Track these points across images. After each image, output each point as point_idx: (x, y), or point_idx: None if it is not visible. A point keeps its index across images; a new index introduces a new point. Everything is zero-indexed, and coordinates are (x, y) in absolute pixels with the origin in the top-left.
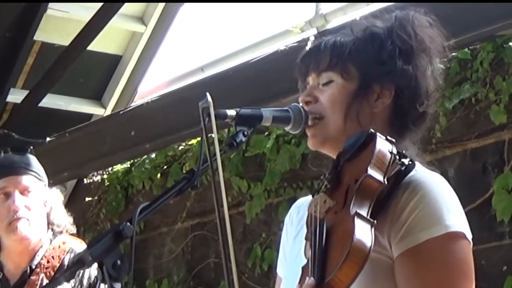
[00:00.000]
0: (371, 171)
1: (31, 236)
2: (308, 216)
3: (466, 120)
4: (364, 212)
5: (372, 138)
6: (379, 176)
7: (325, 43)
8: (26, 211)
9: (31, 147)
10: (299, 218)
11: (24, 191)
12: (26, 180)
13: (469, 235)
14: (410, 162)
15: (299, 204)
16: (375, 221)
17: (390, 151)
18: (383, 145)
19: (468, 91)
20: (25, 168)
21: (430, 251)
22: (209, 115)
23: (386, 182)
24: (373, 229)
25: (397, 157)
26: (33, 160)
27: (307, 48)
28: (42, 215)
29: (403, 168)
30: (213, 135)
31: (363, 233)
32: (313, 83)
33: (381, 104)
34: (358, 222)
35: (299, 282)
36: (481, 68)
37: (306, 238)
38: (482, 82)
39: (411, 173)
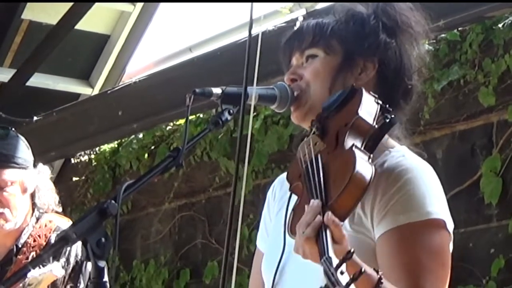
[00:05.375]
0: (362, 113)
1: (10, 227)
2: (298, 160)
3: (454, 102)
4: (360, 146)
5: (356, 91)
6: (369, 119)
7: (307, 24)
8: (1, 208)
9: (12, 129)
10: (282, 193)
11: (1, 185)
12: (4, 174)
13: (450, 225)
14: (393, 116)
15: (282, 179)
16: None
17: (376, 101)
18: (369, 96)
19: (457, 72)
20: (4, 161)
21: (409, 234)
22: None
23: (375, 126)
24: (370, 160)
25: (382, 108)
26: (13, 145)
27: (294, 28)
28: (24, 201)
29: (387, 121)
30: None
31: (363, 160)
32: (297, 62)
33: (365, 77)
34: (357, 152)
35: (291, 223)
36: (470, 50)
37: (292, 190)
38: (471, 64)
39: (399, 158)
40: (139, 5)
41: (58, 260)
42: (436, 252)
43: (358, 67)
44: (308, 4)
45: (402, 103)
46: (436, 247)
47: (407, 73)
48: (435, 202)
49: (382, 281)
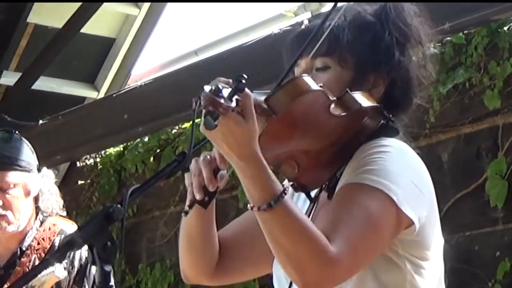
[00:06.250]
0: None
1: (13, 230)
2: None
3: (460, 105)
4: None
5: None
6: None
7: (323, 30)
8: (3, 210)
9: (16, 132)
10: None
11: (4, 187)
12: (7, 176)
13: (406, 209)
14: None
15: None
16: None
17: None
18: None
19: (462, 76)
20: (7, 164)
21: (353, 191)
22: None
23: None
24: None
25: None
26: (17, 148)
27: (301, 28)
28: (27, 204)
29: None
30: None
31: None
32: (306, 66)
33: (376, 94)
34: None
35: None
36: (475, 53)
37: None
38: (476, 67)
39: (390, 139)
40: (145, 8)
41: (60, 262)
42: (373, 215)
43: (368, 84)
44: (314, 7)
45: (403, 117)
46: (374, 212)
47: (414, 90)
48: (396, 180)
49: (286, 191)
